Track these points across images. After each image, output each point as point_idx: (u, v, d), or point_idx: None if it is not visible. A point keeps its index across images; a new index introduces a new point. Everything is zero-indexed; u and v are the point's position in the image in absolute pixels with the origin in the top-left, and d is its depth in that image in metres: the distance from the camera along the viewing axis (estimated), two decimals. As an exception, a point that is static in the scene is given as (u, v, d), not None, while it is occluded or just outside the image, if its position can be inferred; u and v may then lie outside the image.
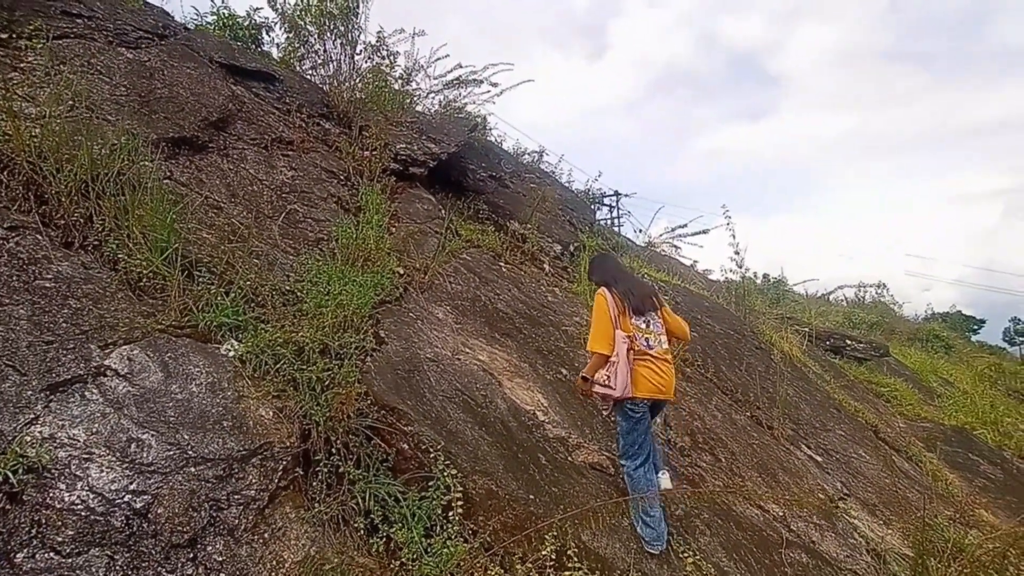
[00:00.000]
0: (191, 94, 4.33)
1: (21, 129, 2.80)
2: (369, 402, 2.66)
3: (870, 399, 6.85)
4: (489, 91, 6.68)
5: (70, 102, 3.31)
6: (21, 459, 1.84)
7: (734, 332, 6.45)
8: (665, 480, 2.98)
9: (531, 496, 2.65)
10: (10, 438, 1.91)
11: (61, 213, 2.76)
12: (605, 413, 3.52)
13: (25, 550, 1.73)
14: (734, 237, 7.17)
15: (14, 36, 3.56)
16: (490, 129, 7.72)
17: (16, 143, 2.73)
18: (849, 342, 8.66)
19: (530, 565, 2.32)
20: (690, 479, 3.59)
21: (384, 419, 2.65)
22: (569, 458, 3.11)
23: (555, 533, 2.43)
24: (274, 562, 2.03)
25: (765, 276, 13.80)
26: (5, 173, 2.70)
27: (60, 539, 1.78)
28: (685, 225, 8.21)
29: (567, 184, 8.73)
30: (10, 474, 1.79)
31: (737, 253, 7.34)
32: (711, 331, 6.16)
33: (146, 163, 3.32)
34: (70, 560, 1.75)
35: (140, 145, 3.35)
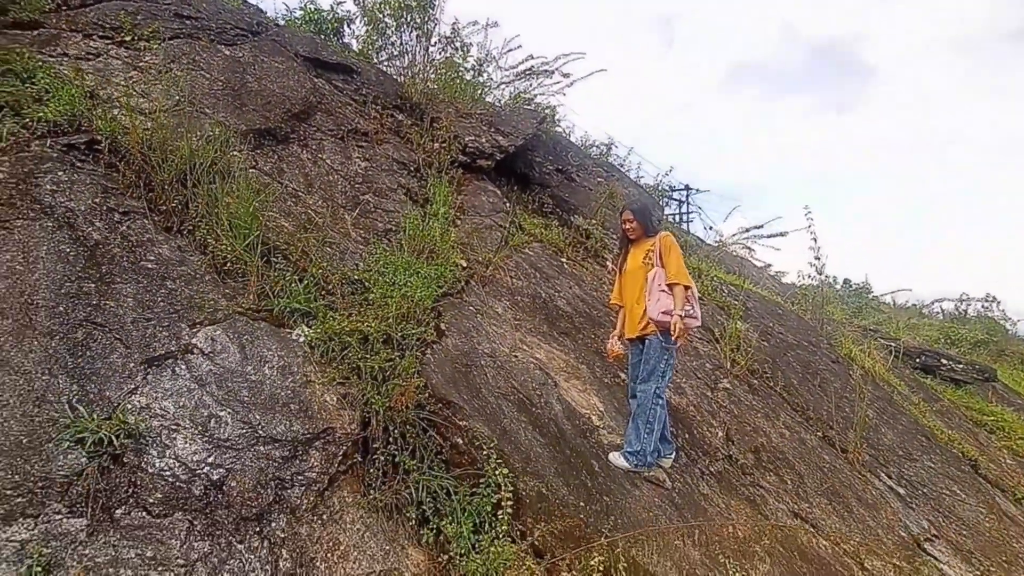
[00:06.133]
0: (277, 87, 4.57)
1: (136, 123, 3.08)
2: (427, 394, 2.72)
3: (969, 428, 6.15)
4: (560, 82, 6.57)
5: (176, 97, 3.60)
6: (123, 425, 2.05)
7: (808, 343, 6.00)
8: (669, 461, 3.21)
9: (581, 503, 2.61)
10: (115, 404, 2.13)
11: (164, 200, 3.03)
12: (669, 346, 3.16)
13: (123, 507, 1.92)
14: (815, 240, 6.65)
15: (135, 38, 3.92)
16: (558, 121, 7.60)
17: (132, 136, 3.01)
18: (945, 361, 7.80)
19: (576, 573, 2.29)
20: (751, 500, 3.40)
21: (440, 412, 2.70)
22: (623, 467, 3.03)
23: (604, 544, 2.38)
24: (331, 543, 2.14)
25: (846, 282, 12.74)
26: (122, 163, 2.99)
27: (151, 500, 1.96)
28: (761, 226, 7.67)
29: (636, 179, 8.46)
30: (114, 438, 1.99)
31: (818, 258, 6.81)
32: (783, 341, 5.76)
33: (235, 153, 3.55)
34: (158, 520, 1.93)
35: (231, 136, 3.60)
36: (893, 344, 7.14)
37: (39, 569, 1.59)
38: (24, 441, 1.85)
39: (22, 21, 3.56)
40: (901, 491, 4.20)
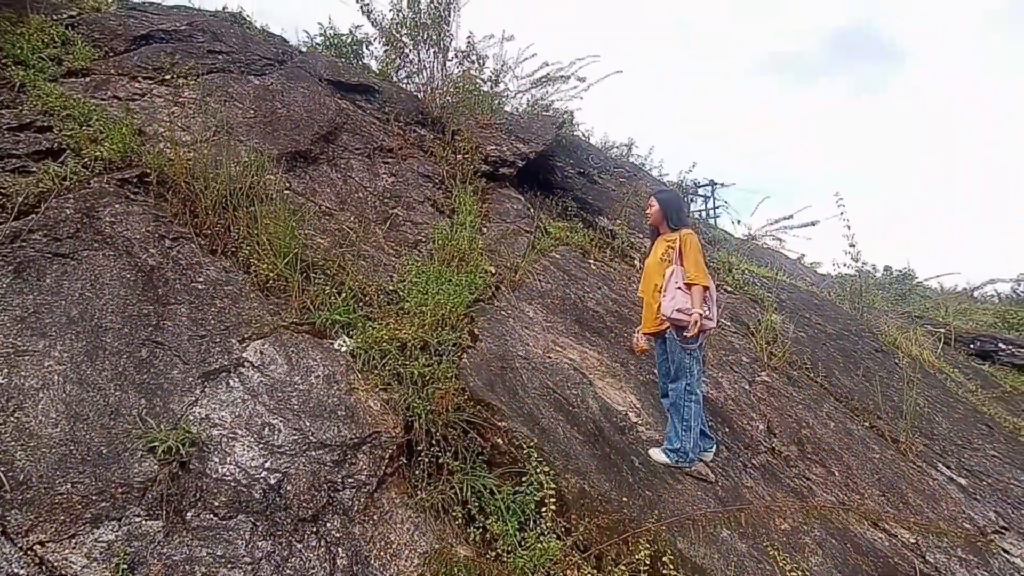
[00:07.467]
0: (305, 111, 4.78)
1: (179, 155, 3.29)
2: (466, 397, 2.79)
3: (1036, 414, 5.83)
4: (576, 86, 6.65)
5: (214, 128, 3.82)
6: (188, 434, 2.18)
7: (849, 333, 5.83)
8: (709, 455, 3.19)
9: (624, 499, 2.62)
10: (179, 416, 2.27)
11: (208, 225, 3.21)
12: (684, 346, 3.14)
13: (192, 510, 2.04)
14: (849, 228, 6.48)
15: (175, 76, 4.20)
16: (577, 125, 7.66)
17: (176, 167, 3.22)
18: (1004, 346, 7.41)
19: (624, 568, 2.31)
20: (797, 492, 3.33)
21: (479, 414, 2.77)
22: (663, 462, 3.02)
23: (650, 538, 2.39)
24: (383, 542, 2.22)
25: (887, 269, 12.27)
26: (169, 192, 3.20)
27: (216, 504, 2.08)
28: (791, 216, 7.52)
29: (659, 177, 8.42)
30: (180, 446, 2.12)
31: (853, 245, 6.63)
32: (822, 331, 5.62)
33: (270, 177, 3.74)
34: (224, 522, 2.05)
35: (265, 161, 3.79)
36: (943, 330, 6.85)
37: (125, 567, 1.72)
38: (104, 451, 2.00)
39: (75, 70, 3.86)
40: (963, 481, 4.03)
